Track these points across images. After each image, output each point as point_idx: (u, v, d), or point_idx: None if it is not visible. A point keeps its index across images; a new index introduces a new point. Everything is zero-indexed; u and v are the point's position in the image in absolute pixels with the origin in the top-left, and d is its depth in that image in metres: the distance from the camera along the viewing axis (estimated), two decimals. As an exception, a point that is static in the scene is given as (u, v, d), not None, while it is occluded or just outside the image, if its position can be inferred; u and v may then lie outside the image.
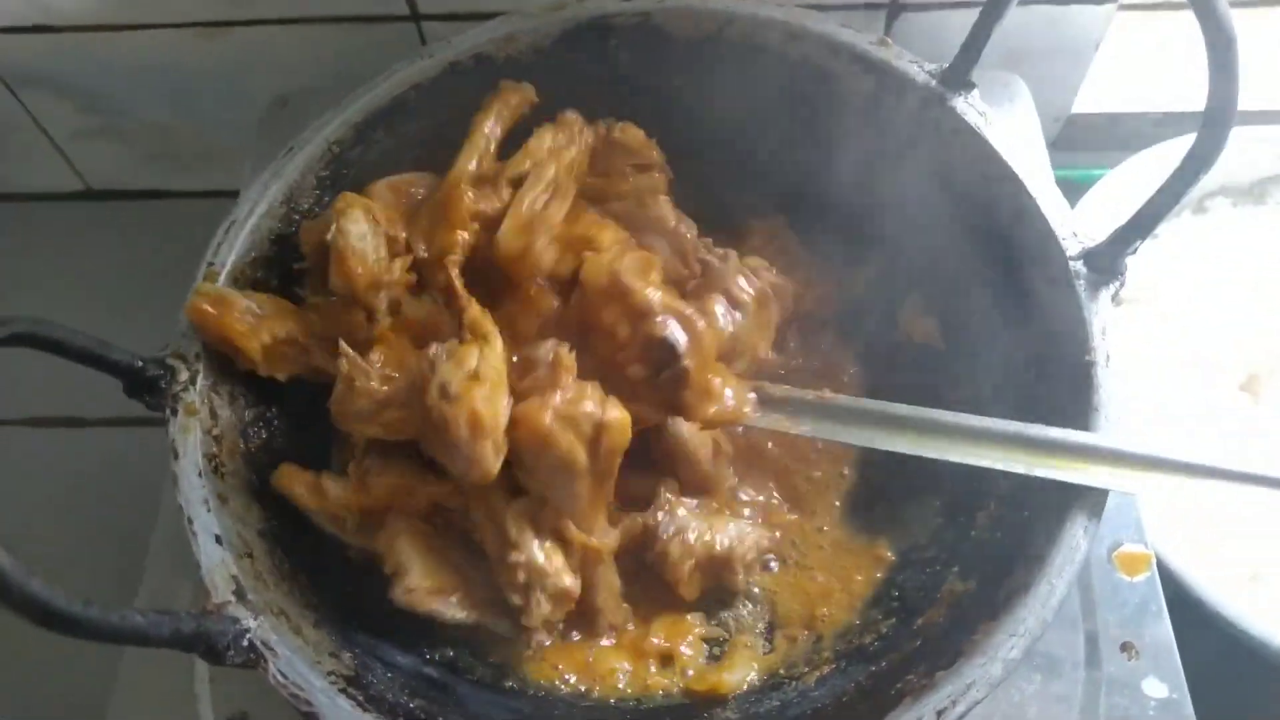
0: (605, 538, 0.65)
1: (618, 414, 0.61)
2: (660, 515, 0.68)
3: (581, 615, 0.66)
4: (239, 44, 0.98)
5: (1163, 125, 1.08)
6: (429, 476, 0.66)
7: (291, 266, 0.71)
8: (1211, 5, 0.54)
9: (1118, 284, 0.63)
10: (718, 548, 0.68)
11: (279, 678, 0.53)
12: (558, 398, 0.60)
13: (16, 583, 0.42)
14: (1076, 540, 0.56)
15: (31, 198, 1.18)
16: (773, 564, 0.71)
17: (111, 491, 1.01)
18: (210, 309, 0.63)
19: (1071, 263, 0.64)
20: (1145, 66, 1.09)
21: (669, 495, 0.70)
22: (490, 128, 0.73)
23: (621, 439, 0.61)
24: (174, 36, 0.97)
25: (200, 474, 0.59)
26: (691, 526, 0.68)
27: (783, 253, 0.81)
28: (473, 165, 0.71)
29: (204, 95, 1.04)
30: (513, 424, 0.59)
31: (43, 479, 1.02)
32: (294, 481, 0.65)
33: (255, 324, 0.64)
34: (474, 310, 0.64)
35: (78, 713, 0.78)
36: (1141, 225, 0.61)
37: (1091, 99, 1.07)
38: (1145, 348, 0.94)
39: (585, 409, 0.60)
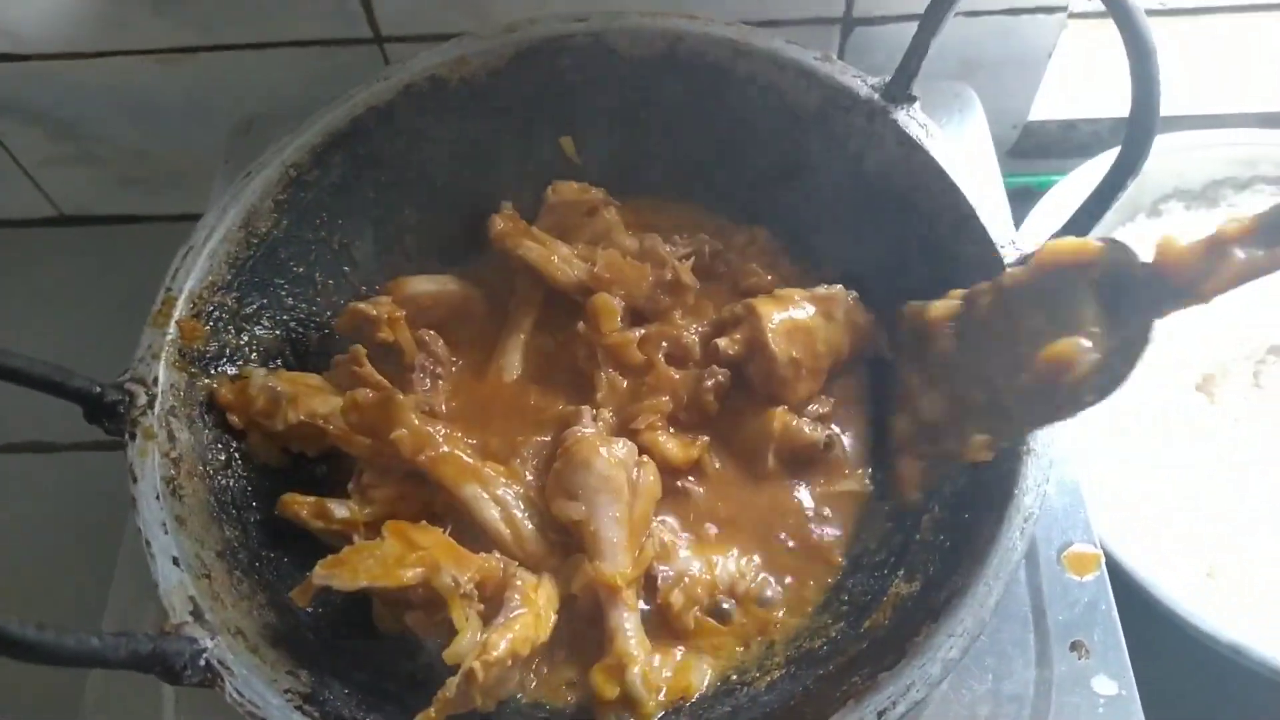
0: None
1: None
2: (656, 564, 0.68)
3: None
4: (204, 69, 1.00)
5: (1118, 131, 1.09)
6: (422, 485, 0.68)
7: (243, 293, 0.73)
8: (1131, 18, 0.56)
9: (1056, 291, 0.65)
10: (720, 588, 0.69)
11: (235, 696, 0.54)
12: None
13: (-34, 610, 0.43)
14: (1013, 541, 0.57)
15: (4, 224, 1.19)
16: (770, 593, 0.70)
17: (80, 515, 1.01)
18: (230, 396, 0.68)
19: (1010, 270, 0.65)
20: (1100, 74, 1.11)
21: (664, 537, 0.70)
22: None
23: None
24: (140, 63, 0.99)
25: (159, 496, 0.60)
26: (692, 568, 0.69)
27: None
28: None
29: (172, 120, 1.06)
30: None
31: (11, 503, 1.02)
32: (298, 508, 0.67)
33: (272, 408, 0.69)
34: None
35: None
36: (1077, 229, 0.63)
37: (1047, 107, 1.09)
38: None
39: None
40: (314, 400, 0.70)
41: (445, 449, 0.67)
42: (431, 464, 0.66)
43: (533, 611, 0.61)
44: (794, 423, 0.72)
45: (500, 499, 0.67)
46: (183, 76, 1.00)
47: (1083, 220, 0.63)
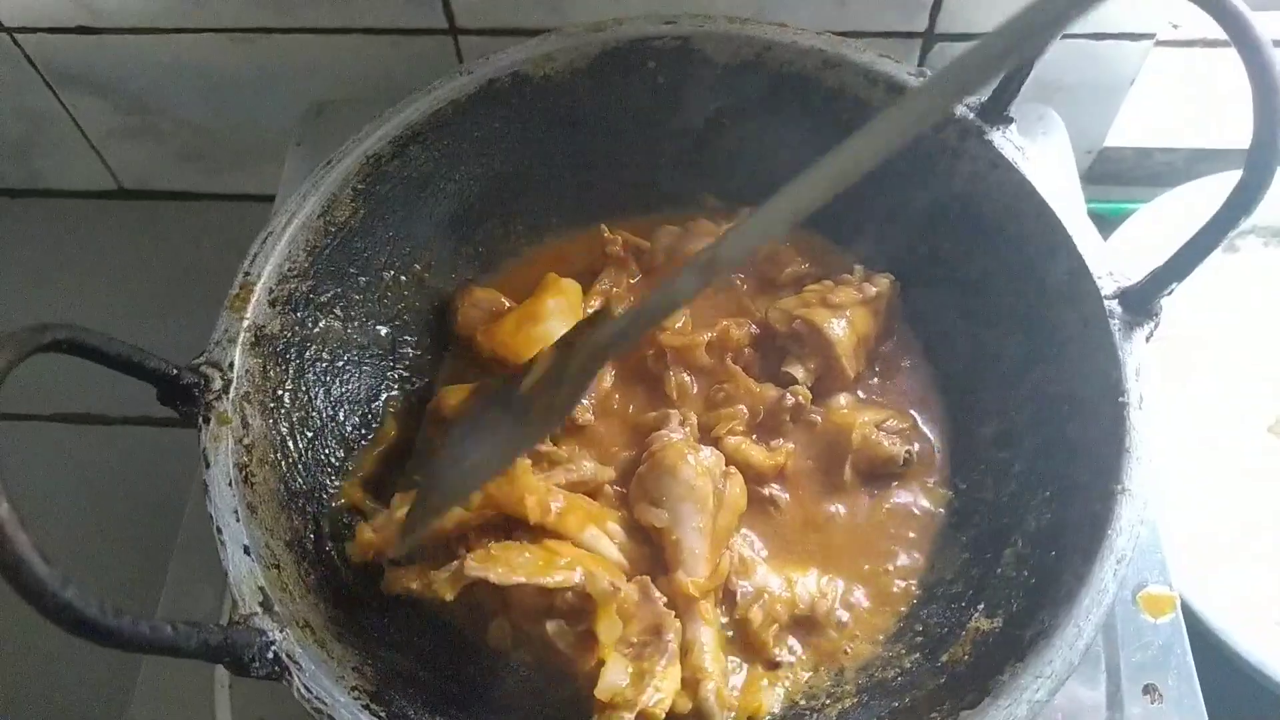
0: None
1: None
2: (736, 579, 0.67)
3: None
4: (277, 50, 0.99)
5: (1194, 162, 1.07)
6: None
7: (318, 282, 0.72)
8: (1259, 51, 0.54)
9: (1152, 325, 0.63)
10: (800, 606, 0.67)
11: (303, 691, 0.53)
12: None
13: (52, 590, 0.42)
14: (1105, 583, 0.56)
15: (65, 194, 1.19)
16: (843, 614, 0.68)
17: (133, 489, 1.01)
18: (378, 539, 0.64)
19: (1106, 302, 0.64)
20: (1178, 102, 1.08)
21: (742, 553, 0.68)
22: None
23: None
24: (213, 41, 0.98)
25: (230, 483, 0.59)
26: (771, 584, 0.67)
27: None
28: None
29: (240, 100, 1.05)
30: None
31: (65, 474, 1.02)
32: (407, 581, 0.64)
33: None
34: None
35: (97, 713, 0.78)
36: (1180, 267, 0.61)
37: (1124, 133, 1.07)
38: (1173, 385, 0.93)
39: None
40: None
41: (563, 503, 0.65)
42: (559, 521, 0.64)
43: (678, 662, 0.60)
44: (873, 436, 0.71)
45: (613, 532, 0.65)
46: (255, 56, 1.00)
47: (1186, 258, 0.61)
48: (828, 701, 0.63)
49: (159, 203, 1.19)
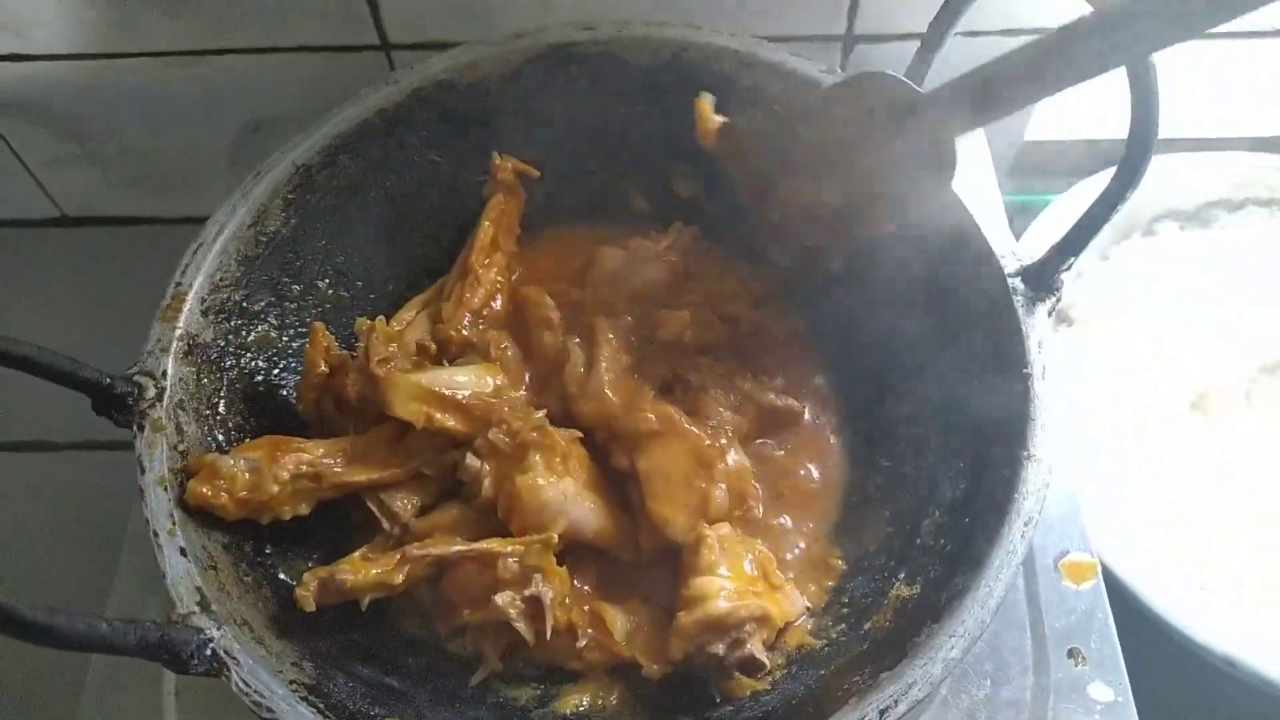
0: None
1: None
2: None
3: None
4: (213, 72, 1.00)
5: (1114, 152, 1.11)
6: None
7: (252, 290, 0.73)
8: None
9: (1054, 300, 0.66)
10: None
11: (241, 686, 0.54)
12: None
13: (-20, 590, 0.44)
14: (1014, 543, 0.58)
15: (5, 224, 1.19)
16: None
17: (79, 514, 1.02)
18: (207, 491, 0.62)
19: (1010, 280, 0.67)
20: (1095, 95, 1.12)
21: None
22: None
23: None
24: (149, 65, 0.99)
25: (166, 488, 0.60)
26: None
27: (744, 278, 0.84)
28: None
29: (179, 122, 1.06)
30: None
31: (11, 501, 1.02)
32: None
33: (257, 478, 0.64)
34: None
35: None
36: (1074, 242, 0.64)
37: (1044, 127, 1.10)
38: (1098, 366, 0.97)
39: None
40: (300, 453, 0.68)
41: None
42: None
43: None
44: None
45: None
46: (190, 79, 1.01)
47: (1079, 235, 0.64)
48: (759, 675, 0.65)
49: (102, 229, 1.19)
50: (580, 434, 0.71)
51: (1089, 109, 1.11)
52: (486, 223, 0.81)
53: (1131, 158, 0.60)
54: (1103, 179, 0.99)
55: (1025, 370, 0.63)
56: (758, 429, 0.76)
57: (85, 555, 0.95)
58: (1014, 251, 0.68)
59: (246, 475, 0.64)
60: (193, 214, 1.17)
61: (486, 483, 0.67)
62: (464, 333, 0.77)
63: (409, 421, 0.68)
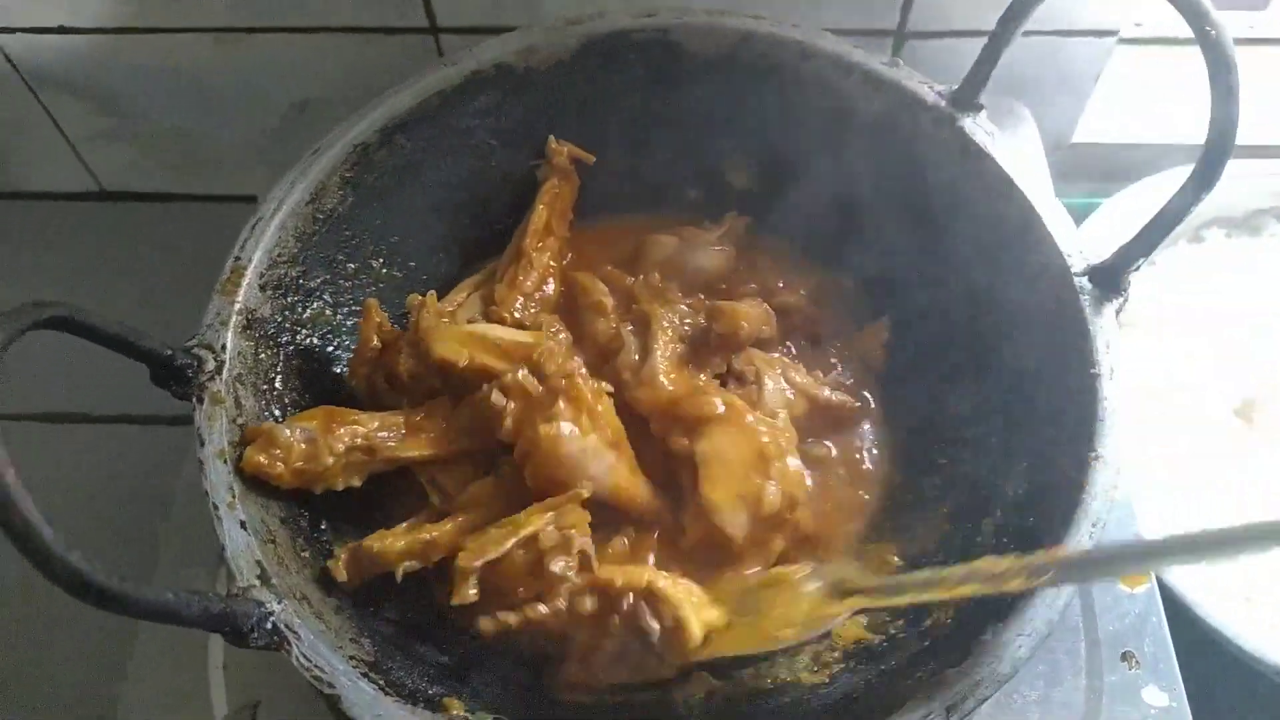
0: None
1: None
2: None
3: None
4: (258, 51, 1.00)
5: (1158, 157, 1.10)
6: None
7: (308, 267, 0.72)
8: (1214, 33, 0.56)
9: (1121, 300, 0.65)
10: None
11: (302, 660, 0.53)
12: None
13: (58, 555, 0.43)
14: (1082, 544, 0.57)
15: (45, 197, 1.19)
16: None
17: (114, 487, 1.01)
18: (263, 459, 0.62)
19: (1076, 279, 0.66)
20: (1143, 99, 1.11)
21: None
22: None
23: None
24: (194, 41, 0.99)
25: (226, 461, 0.60)
26: None
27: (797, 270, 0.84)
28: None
29: (221, 100, 1.06)
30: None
31: (50, 472, 1.02)
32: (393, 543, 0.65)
33: (313, 449, 0.64)
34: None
35: (91, 695, 0.78)
36: (1145, 243, 0.63)
37: (1090, 129, 1.10)
38: (1142, 372, 0.96)
39: None
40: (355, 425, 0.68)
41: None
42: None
43: None
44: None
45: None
46: (237, 57, 1.01)
47: (1149, 235, 0.63)
48: (816, 668, 0.64)
49: (139, 204, 1.19)
50: (610, 388, 0.70)
51: (1138, 112, 1.11)
52: (541, 206, 0.81)
53: (1209, 159, 0.59)
54: (1157, 183, 1.00)
55: (1093, 370, 0.62)
56: (809, 423, 0.75)
57: (119, 529, 0.95)
58: (1081, 250, 0.67)
59: (303, 445, 0.64)
60: (229, 193, 1.18)
61: (507, 421, 0.66)
62: (516, 315, 0.77)
63: (451, 361, 0.68)
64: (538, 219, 0.80)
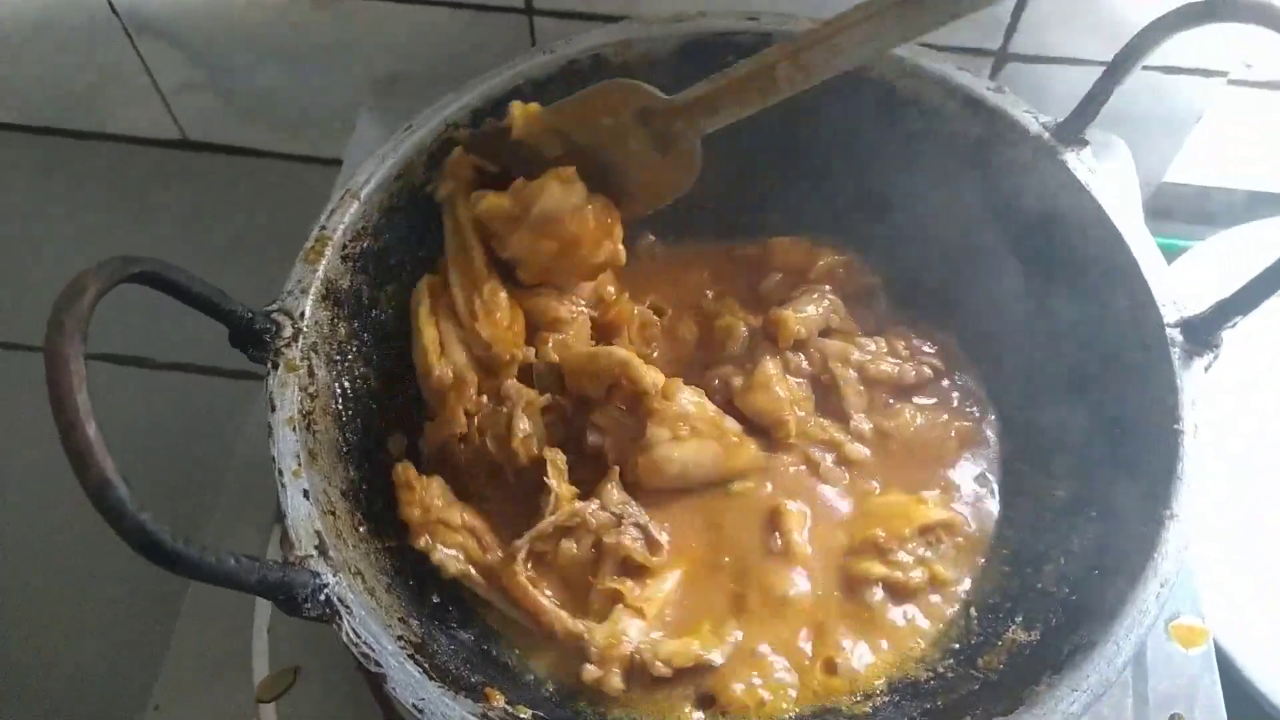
0: None
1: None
2: None
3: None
4: (353, 18, 1.00)
5: (1251, 204, 1.07)
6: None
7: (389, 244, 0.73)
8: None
9: (1212, 356, 0.63)
10: None
11: (352, 636, 0.54)
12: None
13: (131, 512, 0.44)
14: (1148, 604, 0.56)
15: (130, 140, 1.20)
16: None
17: (171, 432, 1.03)
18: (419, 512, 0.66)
19: (1168, 330, 0.64)
20: (1242, 143, 1.08)
21: None
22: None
23: None
24: (290, 3, 0.99)
25: (295, 429, 0.60)
26: None
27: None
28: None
29: (310, 62, 1.07)
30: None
31: (106, 415, 1.04)
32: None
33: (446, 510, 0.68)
34: None
35: (139, 653, 0.79)
36: (1246, 300, 0.61)
37: (1184, 170, 1.07)
38: (1229, 418, 0.93)
39: None
40: None
41: None
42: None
43: None
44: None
45: None
46: (329, 22, 1.01)
47: (1252, 292, 0.61)
48: (859, 699, 0.64)
49: (221, 156, 1.21)
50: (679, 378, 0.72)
51: (1234, 156, 1.07)
52: None
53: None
54: (1254, 231, 0.97)
55: (1176, 426, 0.61)
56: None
57: (168, 475, 0.96)
58: (1175, 300, 0.65)
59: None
60: (309, 154, 1.18)
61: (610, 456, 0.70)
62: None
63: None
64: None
